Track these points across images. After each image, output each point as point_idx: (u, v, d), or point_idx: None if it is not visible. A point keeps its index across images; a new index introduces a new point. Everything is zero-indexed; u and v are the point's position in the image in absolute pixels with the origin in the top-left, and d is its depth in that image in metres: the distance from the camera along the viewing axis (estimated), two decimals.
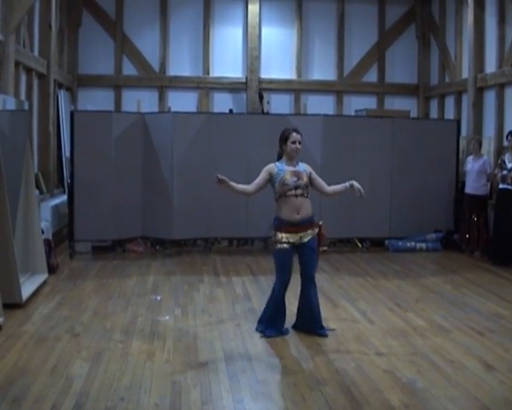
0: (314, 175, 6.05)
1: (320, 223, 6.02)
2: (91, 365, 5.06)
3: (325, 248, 6.15)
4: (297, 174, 5.90)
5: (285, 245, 5.86)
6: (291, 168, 5.92)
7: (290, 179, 5.86)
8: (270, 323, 5.98)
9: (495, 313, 6.82)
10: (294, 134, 5.95)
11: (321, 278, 8.43)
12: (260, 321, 6.10)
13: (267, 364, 5.23)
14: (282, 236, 5.86)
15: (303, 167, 6.01)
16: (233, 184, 5.91)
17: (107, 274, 8.55)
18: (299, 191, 5.86)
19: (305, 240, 5.87)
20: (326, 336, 5.91)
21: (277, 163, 6.01)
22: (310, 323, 6.00)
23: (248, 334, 5.96)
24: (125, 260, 9.64)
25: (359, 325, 6.36)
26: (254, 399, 4.52)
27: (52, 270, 8.26)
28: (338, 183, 5.96)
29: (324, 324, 6.08)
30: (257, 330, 6.04)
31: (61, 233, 10.39)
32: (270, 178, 5.95)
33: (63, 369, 4.96)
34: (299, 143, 5.95)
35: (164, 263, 9.47)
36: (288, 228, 5.85)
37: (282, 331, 5.97)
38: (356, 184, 5.96)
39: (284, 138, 5.98)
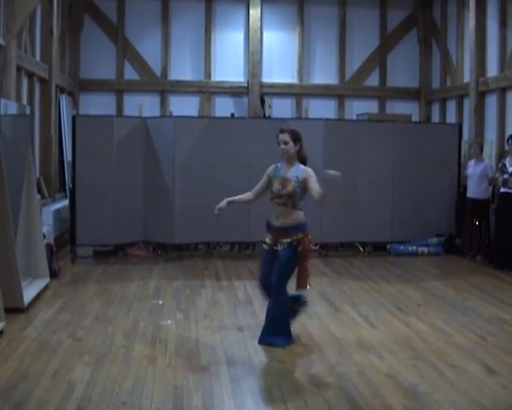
0: (310, 181, 5.53)
1: (304, 237, 5.65)
2: (93, 369, 5.06)
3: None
4: (283, 182, 5.65)
5: (264, 245, 5.82)
6: (284, 174, 5.68)
7: (276, 187, 5.69)
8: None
9: (497, 317, 6.81)
10: (280, 136, 5.70)
11: (323, 283, 8.46)
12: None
13: (269, 368, 5.23)
14: (265, 237, 5.83)
15: (297, 173, 5.64)
16: (232, 199, 5.89)
17: (108, 279, 8.55)
18: (280, 200, 5.64)
19: (277, 248, 5.68)
20: (261, 344, 5.76)
21: (279, 164, 5.82)
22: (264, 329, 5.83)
23: (250, 338, 5.95)
24: (127, 264, 9.64)
25: (361, 329, 6.35)
26: (256, 403, 4.52)
27: (54, 274, 8.26)
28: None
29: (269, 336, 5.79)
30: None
31: (62, 238, 10.39)
32: (270, 181, 5.84)
33: (65, 373, 4.96)
34: (285, 143, 5.66)
35: (165, 267, 9.46)
36: (269, 230, 5.81)
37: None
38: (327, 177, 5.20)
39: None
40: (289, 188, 5.62)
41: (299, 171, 5.67)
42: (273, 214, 5.76)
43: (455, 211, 10.89)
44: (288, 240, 5.64)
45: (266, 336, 5.78)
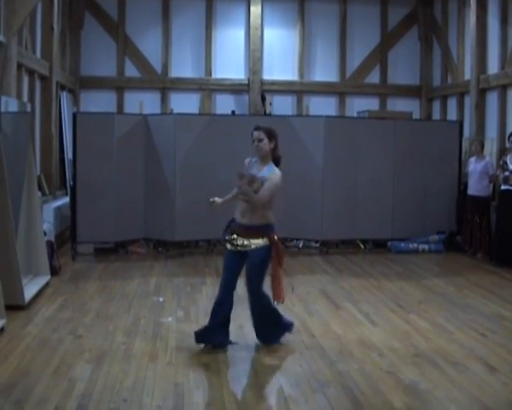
0: (266, 183, 5.42)
1: (275, 237, 5.52)
2: (94, 366, 5.06)
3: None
4: (250, 181, 5.42)
5: (228, 246, 5.59)
6: (255, 173, 5.50)
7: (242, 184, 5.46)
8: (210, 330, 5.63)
9: (498, 315, 6.81)
10: (255, 133, 5.54)
11: (323, 280, 8.46)
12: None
13: (269, 365, 5.23)
14: (230, 235, 5.61)
15: (264, 174, 5.48)
16: (225, 198, 5.81)
17: (109, 276, 8.55)
18: (246, 198, 5.46)
19: (249, 249, 5.50)
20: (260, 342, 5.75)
21: (254, 160, 5.64)
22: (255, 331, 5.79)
23: (250, 335, 5.94)
24: (128, 261, 9.64)
25: (362, 326, 6.35)
26: (257, 401, 4.52)
27: (54, 272, 8.26)
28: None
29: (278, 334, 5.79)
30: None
31: (63, 235, 10.40)
32: None
33: (66, 371, 4.96)
34: (259, 140, 5.50)
35: (166, 265, 9.47)
36: (234, 229, 5.59)
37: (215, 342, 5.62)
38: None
39: None
40: (255, 188, 5.44)
41: (268, 172, 5.50)
42: (238, 211, 5.59)
43: (455, 208, 10.88)
44: (259, 241, 5.50)
45: (261, 335, 5.74)
